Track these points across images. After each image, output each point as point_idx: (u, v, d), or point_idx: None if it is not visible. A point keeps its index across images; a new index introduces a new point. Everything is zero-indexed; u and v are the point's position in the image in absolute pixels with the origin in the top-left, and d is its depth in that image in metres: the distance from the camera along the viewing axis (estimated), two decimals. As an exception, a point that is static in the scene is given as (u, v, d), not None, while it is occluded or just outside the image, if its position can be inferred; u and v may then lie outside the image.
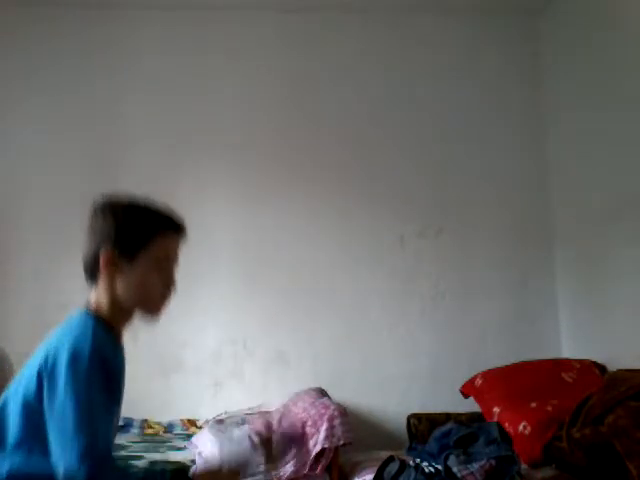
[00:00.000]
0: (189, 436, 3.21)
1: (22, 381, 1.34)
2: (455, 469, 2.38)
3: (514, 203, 3.89)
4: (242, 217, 3.74)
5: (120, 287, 1.40)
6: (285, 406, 3.20)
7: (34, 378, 1.31)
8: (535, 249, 3.86)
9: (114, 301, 1.40)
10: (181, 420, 3.46)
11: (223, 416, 3.37)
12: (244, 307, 3.68)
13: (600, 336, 3.43)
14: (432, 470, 2.46)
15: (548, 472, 2.66)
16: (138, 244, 1.40)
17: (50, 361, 1.30)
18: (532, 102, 3.97)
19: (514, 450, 2.49)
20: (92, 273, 1.43)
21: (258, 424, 3.04)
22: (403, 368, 3.67)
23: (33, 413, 1.29)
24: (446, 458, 2.44)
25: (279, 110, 3.83)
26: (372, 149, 3.85)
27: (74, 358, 1.28)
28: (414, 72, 3.94)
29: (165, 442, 3.16)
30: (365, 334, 3.71)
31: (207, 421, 3.35)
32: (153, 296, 1.43)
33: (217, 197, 3.74)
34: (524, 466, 2.63)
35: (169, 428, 3.41)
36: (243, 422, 3.17)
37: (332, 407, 2.93)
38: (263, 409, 3.42)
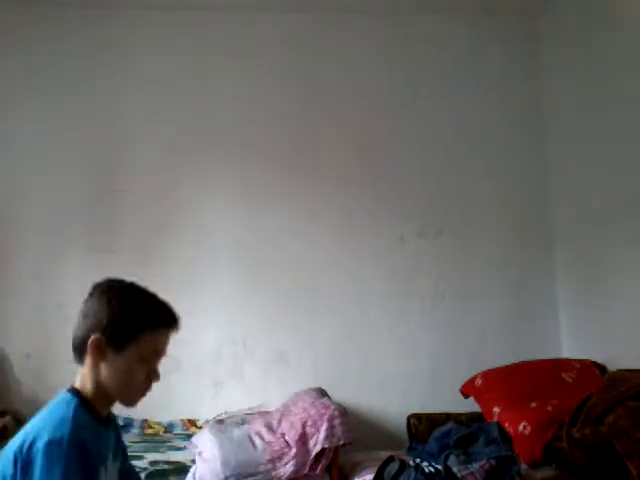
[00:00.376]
0: (189, 436, 3.21)
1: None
2: (455, 469, 2.39)
3: (514, 203, 3.89)
4: (242, 217, 3.74)
5: (104, 374, 1.40)
6: (285, 406, 3.20)
7: (11, 463, 1.29)
8: (535, 249, 3.86)
9: (98, 386, 1.41)
10: (181, 420, 3.46)
11: (223, 416, 3.37)
12: (244, 307, 3.68)
13: (600, 336, 3.43)
14: (432, 470, 2.46)
15: (548, 472, 2.66)
16: (127, 336, 1.40)
17: (26, 446, 1.28)
18: (532, 102, 3.97)
19: (514, 450, 2.49)
20: (79, 354, 1.43)
21: (258, 424, 3.05)
22: (403, 368, 3.67)
23: None
24: (446, 458, 2.44)
25: (279, 110, 3.83)
26: (372, 149, 3.85)
27: (53, 440, 1.26)
28: (415, 72, 3.94)
29: (165, 442, 3.16)
30: (365, 334, 3.71)
31: (207, 421, 3.35)
32: (133, 388, 1.44)
33: (217, 197, 3.74)
34: (524, 466, 2.63)
35: (169, 428, 3.41)
36: (243, 422, 3.17)
37: (332, 407, 2.93)
38: (263, 409, 3.42)
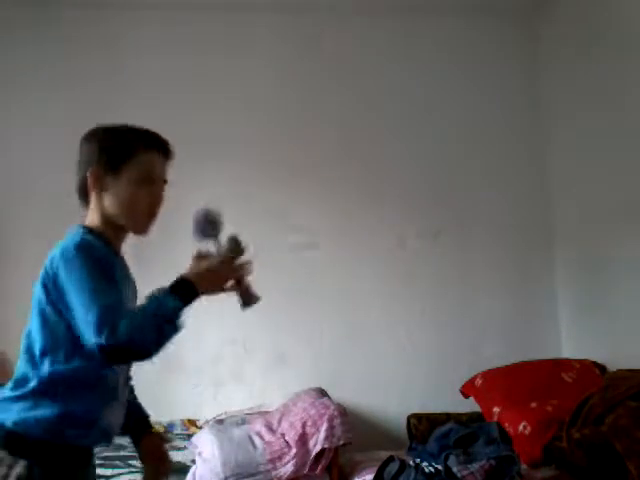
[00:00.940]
0: (189, 436, 3.21)
1: (34, 300, 1.41)
2: (455, 469, 2.39)
3: (514, 203, 3.89)
4: (242, 217, 3.72)
5: (108, 203, 1.45)
6: (285, 406, 3.20)
7: (41, 290, 1.37)
8: (535, 249, 3.86)
9: (104, 217, 1.46)
10: (181, 420, 3.46)
11: (223, 416, 3.37)
12: (244, 307, 3.67)
13: (600, 336, 3.43)
14: (432, 470, 2.46)
15: (548, 472, 2.66)
16: (120, 158, 1.45)
17: (48, 266, 1.37)
18: (532, 102, 3.97)
19: (514, 450, 2.49)
20: (84, 196, 1.49)
21: (258, 424, 3.05)
22: (403, 368, 3.67)
23: (50, 322, 1.36)
24: (446, 458, 2.44)
25: (279, 110, 3.82)
26: (372, 149, 3.85)
27: (64, 251, 1.35)
28: (414, 73, 3.93)
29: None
30: (365, 334, 3.71)
31: (207, 421, 3.36)
32: (138, 212, 1.48)
33: (217, 197, 3.72)
34: (524, 466, 2.63)
35: (169, 428, 3.41)
36: (243, 422, 3.17)
37: (332, 407, 2.93)
38: (263, 409, 3.43)
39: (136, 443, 1.64)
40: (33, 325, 1.42)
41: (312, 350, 3.66)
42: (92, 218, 1.47)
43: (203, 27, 3.84)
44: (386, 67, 3.93)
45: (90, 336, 1.25)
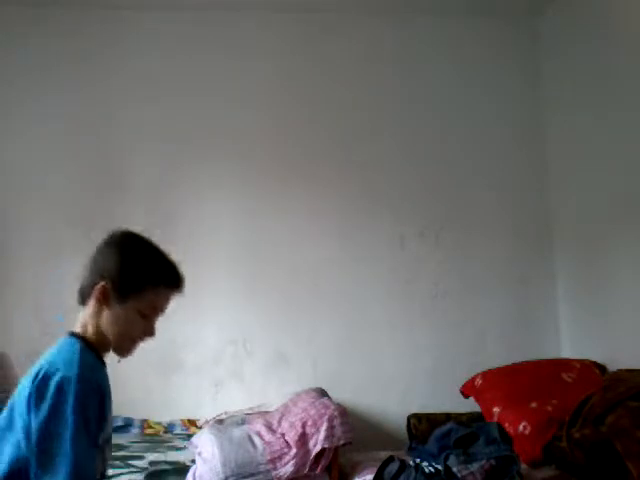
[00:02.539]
0: (189, 436, 3.21)
1: (13, 407, 1.37)
2: (455, 469, 2.39)
3: (514, 203, 3.89)
4: (242, 217, 3.74)
5: (104, 320, 1.45)
6: (285, 406, 3.20)
7: (24, 400, 1.33)
8: (535, 249, 3.86)
9: (98, 330, 1.46)
10: (181, 420, 3.46)
11: (223, 416, 3.37)
12: (244, 307, 3.68)
13: (600, 336, 3.43)
14: (432, 470, 2.46)
15: (548, 472, 2.66)
16: (133, 288, 1.44)
17: (39, 378, 1.33)
18: (532, 102, 3.97)
19: (514, 450, 2.49)
20: (84, 298, 1.49)
21: (258, 424, 3.05)
22: (403, 368, 3.67)
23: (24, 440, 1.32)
24: (446, 458, 2.44)
25: (279, 110, 3.82)
26: (372, 149, 3.85)
27: (62, 383, 1.31)
28: (414, 72, 3.94)
29: (165, 442, 3.16)
30: (365, 334, 3.71)
31: (207, 421, 3.36)
32: (128, 338, 1.48)
33: (217, 197, 3.74)
34: (524, 466, 2.63)
35: (169, 428, 3.41)
36: (243, 422, 3.17)
37: (332, 407, 2.93)
38: (263, 409, 3.42)
39: None
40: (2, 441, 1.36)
41: (312, 350, 3.66)
42: (86, 328, 1.47)
43: (203, 27, 3.84)
44: (386, 67, 3.92)
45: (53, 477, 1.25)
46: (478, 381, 3.30)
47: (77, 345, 1.41)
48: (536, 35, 4.00)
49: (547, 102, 3.92)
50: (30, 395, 1.32)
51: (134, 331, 1.47)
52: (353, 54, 3.92)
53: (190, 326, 3.59)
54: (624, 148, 3.17)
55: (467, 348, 3.71)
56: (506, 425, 2.82)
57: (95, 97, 3.74)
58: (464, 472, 2.37)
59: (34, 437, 1.29)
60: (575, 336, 3.69)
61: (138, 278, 1.45)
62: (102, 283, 1.43)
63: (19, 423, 1.33)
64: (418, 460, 2.57)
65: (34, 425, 1.30)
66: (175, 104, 3.77)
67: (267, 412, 3.32)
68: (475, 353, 3.66)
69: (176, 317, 3.52)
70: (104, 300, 1.44)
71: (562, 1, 3.76)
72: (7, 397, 1.42)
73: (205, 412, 3.48)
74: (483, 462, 2.38)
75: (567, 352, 3.68)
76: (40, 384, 1.32)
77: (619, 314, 3.24)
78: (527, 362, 3.41)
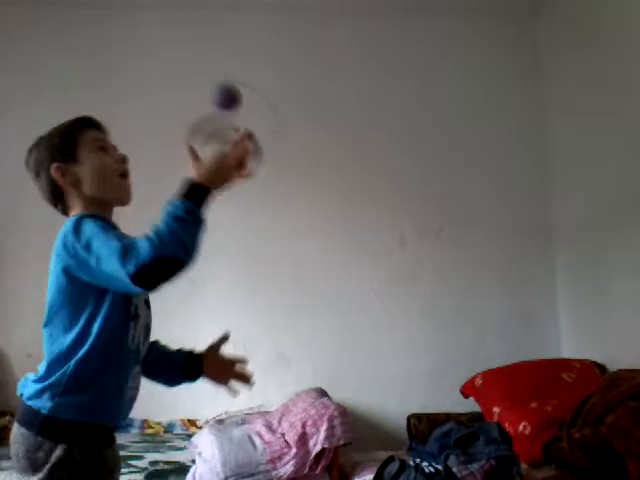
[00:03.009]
0: (189, 436, 3.21)
1: (51, 288, 1.43)
2: (455, 469, 2.39)
3: (514, 203, 3.89)
4: (242, 217, 3.74)
5: (84, 186, 1.52)
6: (285, 406, 3.20)
7: (61, 273, 1.40)
8: (535, 249, 3.86)
9: (87, 201, 1.53)
10: (181, 420, 3.46)
11: (223, 416, 3.37)
12: (244, 307, 3.68)
13: (600, 336, 3.43)
14: (432, 470, 2.46)
15: (548, 472, 2.66)
16: (70, 145, 1.55)
17: (60, 247, 1.42)
18: (532, 102, 3.97)
19: (514, 450, 2.49)
20: (58, 198, 1.55)
21: (258, 424, 3.05)
22: (403, 368, 3.67)
23: (75, 296, 1.40)
24: (446, 458, 2.44)
25: (279, 109, 3.81)
26: (372, 149, 3.85)
27: (71, 225, 1.42)
28: (413, 72, 3.94)
29: (165, 442, 3.16)
30: (365, 334, 3.71)
31: (207, 421, 3.36)
32: (110, 175, 1.55)
33: (217, 197, 3.73)
34: (524, 466, 2.63)
35: (169, 428, 3.41)
36: (243, 422, 3.17)
37: (332, 407, 2.93)
38: (263, 409, 3.43)
39: (202, 375, 1.79)
40: (54, 308, 1.42)
41: (312, 350, 3.67)
42: (76, 207, 1.53)
43: (203, 27, 3.84)
44: (386, 67, 3.93)
45: (119, 272, 1.27)
46: (478, 381, 3.30)
47: (74, 216, 1.48)
48: (536, 35, 4.00)
49: (548, 102, 3.92)
50: (65, 239, 1.40)
51: (107, 166, 1.54)
52: (353, 54, 3.92)
53: (190, 326, 3.58)
54: (624, 148, 3.17)
55: (467, 348, 3.71)
56: (506, 425, 2.82)
57: (95, 97, 3.73)
58: (464, 472, 2.37)
59: (92, 253, 1.33)
60: (575, 336, 3.69)
61: (65, 138, 1.57)
62: (52, 168, 1.51)
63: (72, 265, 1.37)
64: (418, 460, 2.57)
65: (82, 269, 1.35)
66: (175, 104, 3.77)
67: (267, 412, 3.32)
68: (475, 353, 3.66)
69: (176, 317, 3.54)
70: (66, 174, 1.51)
71: (562, 1, 3.76)
72: None
73: (205, 412, 3.48)
74: (483, 462, 2.38)
75: (567, 352, 3.68)
76: (67, 230, 1.41)
77: (619, 314, 3.24)
78: (527, 362, 3.41)
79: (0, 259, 3.59)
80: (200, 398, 3.57)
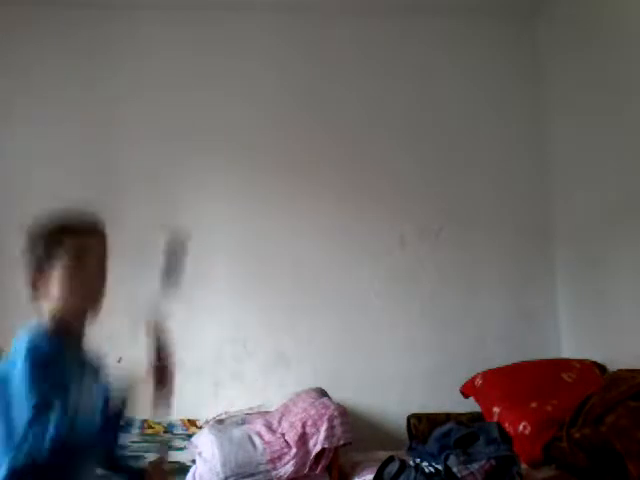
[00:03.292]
0: (189, 436, 3.21)
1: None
2: (455, 469, 2.39)
3: (515, 203, 3.89)
4: (242, 217, 3.74)
5: (53, 294, 1.56)
6: (285, 406, 3.20)
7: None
8: (535, 249, 3.86)
9: (56, 308, 1.56)
10: (181, 420, 3.46)
11: (223, 416, 3.38)
12: (244, 307, 3.68)
13: (600, 336, 3.43)
14: (432, 470, 2.46)
15: (548, 472, 2.66)
16: (49, 255, 1.59)
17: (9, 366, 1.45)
18: (532, 102, 3.97)
19: (514, 450, 2.49)
20: (35, 297, 1.63)
21: (258, 424, 3.05)
22: (403, 368, 3.67)
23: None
24: (446, 458, 2.44)
25: (279, 109, 3.82)
26: (372, 149, 3.85)
27: (15, 360, 1.44)
28: (414, 72, 3.94)
29: (165, 442, 3.15)
30: (365, 334, 3.70)
31: (207, 421, 3.36)
32: (76, 296, 1.55)
33: (217, 197, 3.74)
34: (524, 466, 2.63)
35: (169, 428, 3.41)
36: (243, 422, 3.17)
37: (332, 407, 2.93)
38: (263, 409, 3.43)
39: None
40: None
41: (312, 350, 3.66)
42: (45, 312, 1.57)
43: (203, 27, 3.84)
44: (386, 67, 3.92)
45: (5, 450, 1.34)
46: (478, 381, 3.30)
47: (30, 334, 1.53)
48: (536, 35, 4.00)
49: (548, 102, 3.92)
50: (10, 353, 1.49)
51: (74, 291, 1.55)
52: (353, 54, 3.92)
53: (190, 326, 3.58)
54: (625, 148, 3.17)
55: (467, 348, 3.70)
56: (506, 425, 2.82)
57: (95, 97, 3.74)
58: (464, 472, 2.37)
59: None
60: (575, 336, 3.69)
61: (45, 247, 1.61)
62: (30, 273, 1.62)
63: None
64: (418, 460, 2.57)
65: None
66: (175, 104, 3.77)
67: (267, 412, 3.32)
68: (475, 353, 3.66)
69: (176, 317, 3.53)
70: (40, 283, 1.58)
71: (562, 1, 3.76)
72: None
73: (205, 412, 3.48)
74: (483, 462, 2.38)
75: (567, 352, 3.68)
76: (15, 350, 1.47)
77: (619, 314, 3.24)
78: (527, 362, 3.41)
79: (0, 259, 3.59)
80: (200, 398, 3.57)
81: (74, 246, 1.58)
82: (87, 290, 1.56)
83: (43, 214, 1.62)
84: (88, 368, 1.59)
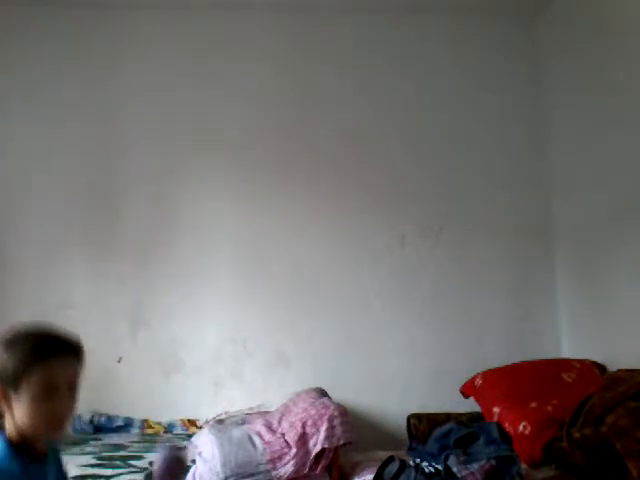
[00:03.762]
0: (189, 436, 3.21)
1: None
2: (455, 469, 2.39)
3: (515, 203, 3.89)
4: (242, 216, 3.74)
5: (17, 417, 1.46)
6: (285, 406, 3.20)
7: None
8: (535, 249, 3.86)
9: (17, 427, 1.47)
10: (181, 420, 3.46)
11: (223, 416, 3.38)
12: (244, 307, 3.68)
13: (600, 336, 3.43)
14: (432, 470, 2.46)
15: (548, 472, 2.66)
16: (18, 378, 1.45)
17: None
18: (532, 102, 3.97)
19: (514, 450, 2.49)
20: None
21: (258, 424, 3.05)
22: (403, 368, 3.67)
23: None
24: (446, 458, 2.44)
25: (279, 109, 3.83)
26: (372, 148, 3.85)
27: None
28: (414, 72, 3.94)
29: (165, 442, 3.16)
30: (365, 334, 3.71)
31: (207, 421, 3.36)
32: (41, 428, 1.47)
33: (217, 197, 3.74)
34: (524, 466, 2.63)
35: (169, 428, 3.41)
36: (243, 422, 3.17)
37: (332, 407, 2.93)
38: (263, 409, 3.43)
39: None
40: None
41: (312, 350, 3.67)
42: (10, 427, 1.48)
43: (203, 27, 3.84)
44: (385, 67, 3.93)
45: None
46: (478, 381, 3.30)
47: None
48: (536, 35, 4.00)
49: (548, 102, 3.92)
50: None
51: (40, 418, 1.45)
52: (353, 54, 3.92)
53: (190, 326, 3.59)
54: (625, 148, 3.17)
55: (467, 348, 3.71)
56: (506, 425, 2.82)
57: (95, 96, 3.74)
58: (464, 472, 2.37)
59: None
60: (575, 336, 3.69)
61: (17, 366, 1.45)
62: None
63: None
64: (418, 460, 2.57)
65: None
66: (175, 104, 3.78)
67: (267, 412, 3.32)
68: (475, 353, 3.66)
69: (176, 317, 3.54)
70: (5, 400, 1.45)
71: (562, 1, 3.76)
72: None
73: (205, 412, 3.48)
74: (483, 462, 2.38)
75: (567, 352, 3.68)
76: None
77: (619, 314, 3.24)
78: (527, 362, 3.41)
79: (0, 259, 3.59)
80: (200, 398, 3.58)
81: (47, 376, 1.47)
82: (53, 419, 1.48)
83: (21, 326, 1.49)
84: (51, 474, 1.54)
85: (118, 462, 2.77)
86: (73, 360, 1.50)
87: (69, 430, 1.51)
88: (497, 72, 3.98)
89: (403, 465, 2.54)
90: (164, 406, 3.48)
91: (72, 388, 1.49)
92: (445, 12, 3.91)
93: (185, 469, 1.56)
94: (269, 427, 3.00)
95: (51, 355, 1.47)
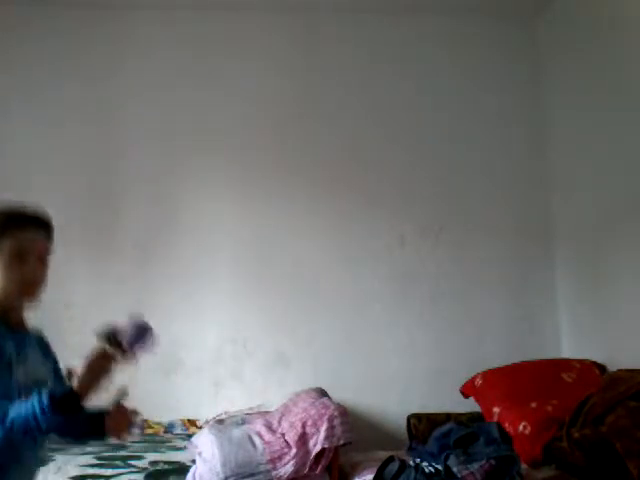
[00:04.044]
0: (189, 436, 3.21)
1: None
2: (455, 469, 2.39)
3: (515, 203, 3.89)
4: (242, 217, 3.74)
5: None
6: (285, 406, 3.20)
7: None
8: (535, 249, 3.86)
9: None
10: (181, 420, 3.46)
11: (223, 416, 3.37)
12: (244, 307, 3.68)
13: (600, 336, 3.43)
14: (432, 470, 2.46)
15: (548, 472, 2.66)
16: None
17: None
18: (532, 102, 3.97)
19: (514, 450, 2.49)
20: None
21: (258, 424, 3.05)
22: (403, 368, 3.67)
23: None
24: (446, 458, 2.44)
25: (279, 109, 3.83)
26: (372, 149, 3.85)
27: None
28: (414, 72, 3.94)
29: (165, 442, 3.16)
30: (365, 334, 3.71)
31: (207, 421, 3.36)
32: (12, 292, 1.58)
33: (217, 197, 3.74)
34: (524, 466, 2.63)
35: (169, 428, 3.41)
36: (243, 422, 3.17)
37: (332, 407, 2.92)
38: (263, 409, 3.43)
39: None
40: None
41: (312, 350, 3.66)
42: None
43: (203, 27, 3.84)
44: (385, 67, 3.93)
45: None
46: (478, 381, 3.30)
47: None
48: (536, 35, 4.00)
49: (548, 102, 3.92)
50: None
51: (13, 283, 1.56)
52: (353, 53, 3.92)
53: (190, 326, 3.59)
54: (625, 148, 3.17)
55: (467, 348, 3.71)
56: (506, 425, 2.82)
57: (95, 96, 3.74)
58: (464, 472, 2.37)
59: None
60: (575, 336, 3.69)
61: None
62: None
63: None
64: (418, 460, 2.57)
65: None
66: (175, 104, 3.78)
67: (267, 412, 3.32)
68: (475, 353, 3.66)
69: (176, 317, 3.54)
70: None
71: (562, 1, 3.76)
72: None
73: (205, 412, 3.48)
74: (483, 462, 2.38)
75: (567, 352, 3.68)
76: None
77: (619, 314, 3.24)
78: (527, 362, 3.41)
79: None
80: (200, 398, 3.58)
81: (16, 245, 1.58)
82: (24, 284, 1.59)
83: None
84: (32, 347, 1.63)
85: (118, 462, 2.77)
86: (42, 233, 1.67)
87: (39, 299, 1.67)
88: (497, 72, 3.98)
89: (403, 465, 2.54)
90: (164, 406, 3.48)
91: (42, 259, 1.65)
92: (445, 12, 3.91)
93: (153, 335, 1.65)
94: (269, 427, 3.00)
95: (20, 227, 1.61)
